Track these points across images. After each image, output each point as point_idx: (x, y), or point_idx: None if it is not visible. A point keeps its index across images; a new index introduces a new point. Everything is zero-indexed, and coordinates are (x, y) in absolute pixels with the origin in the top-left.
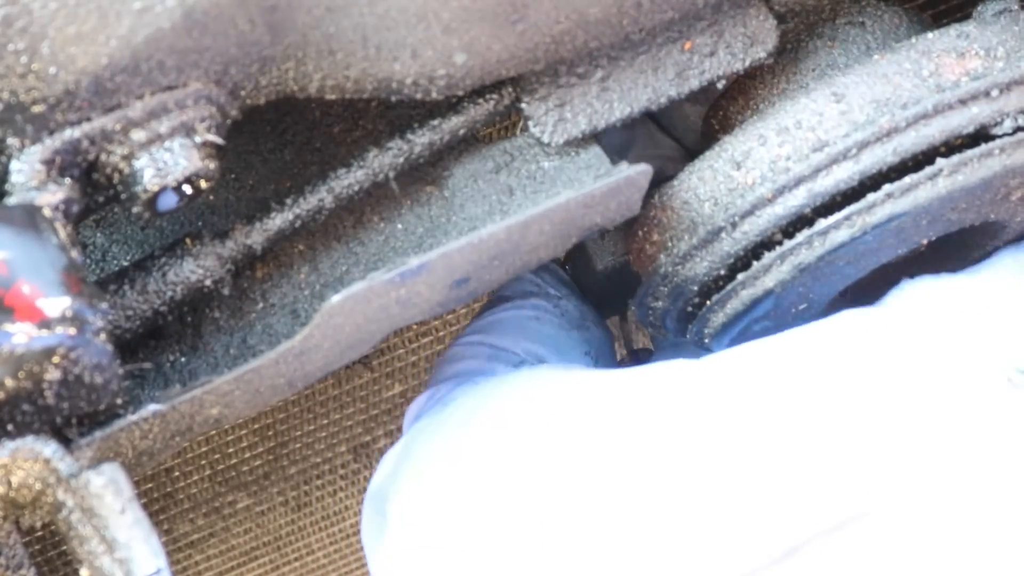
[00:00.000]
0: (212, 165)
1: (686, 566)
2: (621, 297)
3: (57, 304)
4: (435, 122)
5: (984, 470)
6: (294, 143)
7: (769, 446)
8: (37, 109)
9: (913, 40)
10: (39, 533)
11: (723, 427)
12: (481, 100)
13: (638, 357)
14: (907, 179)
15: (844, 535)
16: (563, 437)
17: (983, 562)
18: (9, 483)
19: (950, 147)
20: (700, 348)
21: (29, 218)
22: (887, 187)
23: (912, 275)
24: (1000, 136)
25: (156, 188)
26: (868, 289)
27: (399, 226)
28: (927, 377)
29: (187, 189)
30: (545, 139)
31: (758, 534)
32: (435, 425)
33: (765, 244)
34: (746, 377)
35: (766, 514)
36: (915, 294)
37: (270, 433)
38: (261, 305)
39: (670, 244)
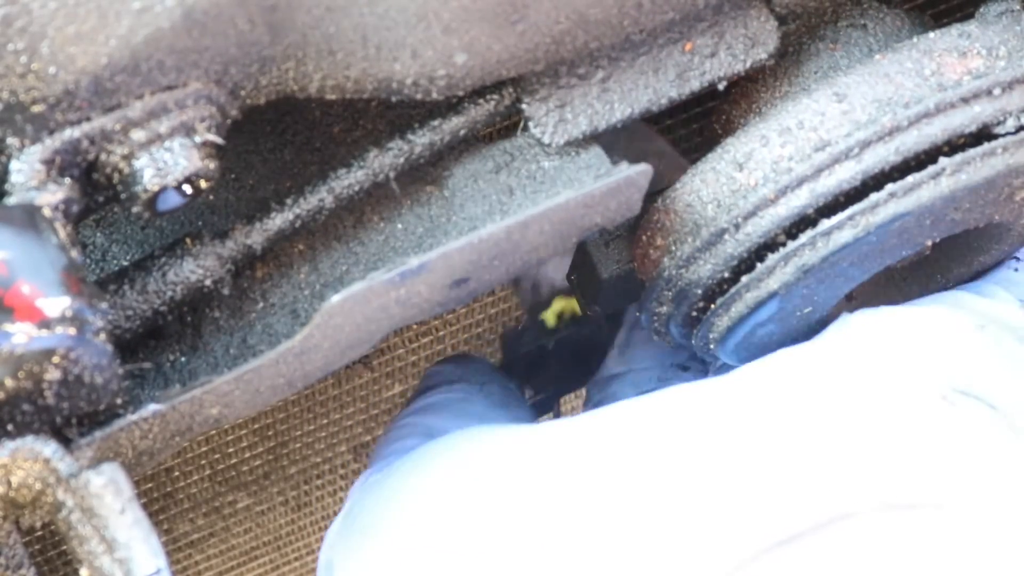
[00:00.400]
0: (212, 165)
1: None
2: (626, 305)
3: (57, 304)
4: (435, 122)
5: (924, 479)
6: (294, 143)
7: (719, 469)
8: (37, 109)
9: (915, 40)
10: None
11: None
12: (481, 100)
13: None
14: (910, 178)
15: (795, 548)
16: (512, 482)
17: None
18: (9, 483)
19: (953, 146)
20: (706, 354)
21: (29, 218)
22: (890, 187)
23: (915, 278)
24: (1003, 135)
25: (156, 188)
26: (873, 294)
27: (399, 226)
28: (869, 397)
29: (187, 189)
30: (545, 140)
31: (709, 549)
32: (377, 485)
33: (768, 246)
34: (690, 413)
35: (714, 528)
36: (855, 324)
37: (270, 433)
38: (261, 305)
39: (673, 248)
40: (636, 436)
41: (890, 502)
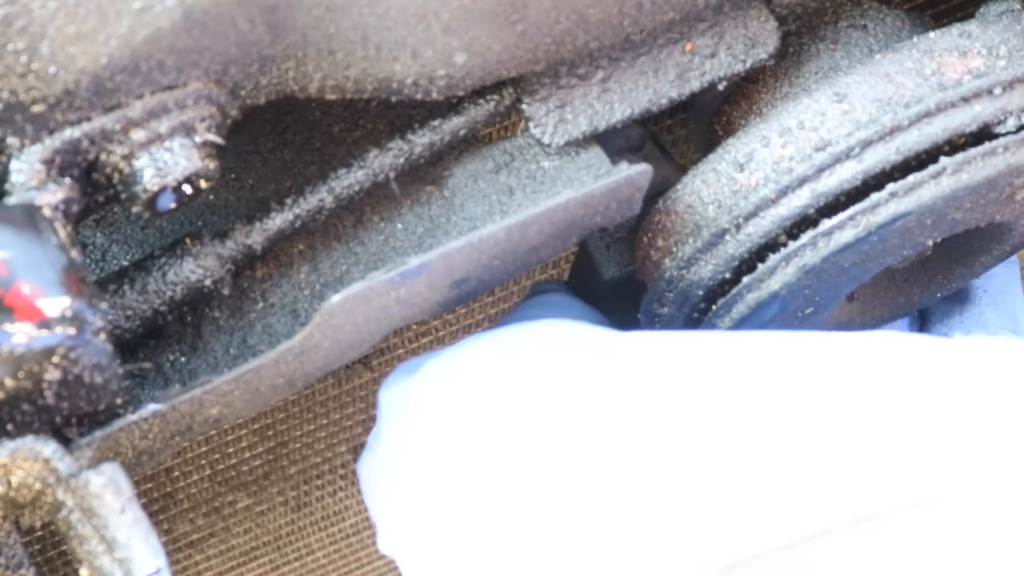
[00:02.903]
0: (212, 165)
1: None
2: (629, 307)
3: (57, 304)
4: (435, 122)
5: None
6: (294, 143)
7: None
8: (37, 109)
9: (915, 40)
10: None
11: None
12: (481, 100)
13: None
14: (911, 178)
15: (870, 528)
16: (588, 404)
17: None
18: (9, 483)
19: (953, 146)
20: None
21: (29, 218)
22: (891, 186)
23: (916, 278)
24: (1003, 134)
25: (156, 188)
26: (874, 294)
27: (399, 226)
28: (975, 403)
29: (187, 189)
30: (545, 140)
31: (781, 516)
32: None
33: (770, 246)
34: (787, 364)
35: (793, 496)
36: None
37: (270, 433)
38: (261, 305)
39: (675, 249)
40: (735, 378)
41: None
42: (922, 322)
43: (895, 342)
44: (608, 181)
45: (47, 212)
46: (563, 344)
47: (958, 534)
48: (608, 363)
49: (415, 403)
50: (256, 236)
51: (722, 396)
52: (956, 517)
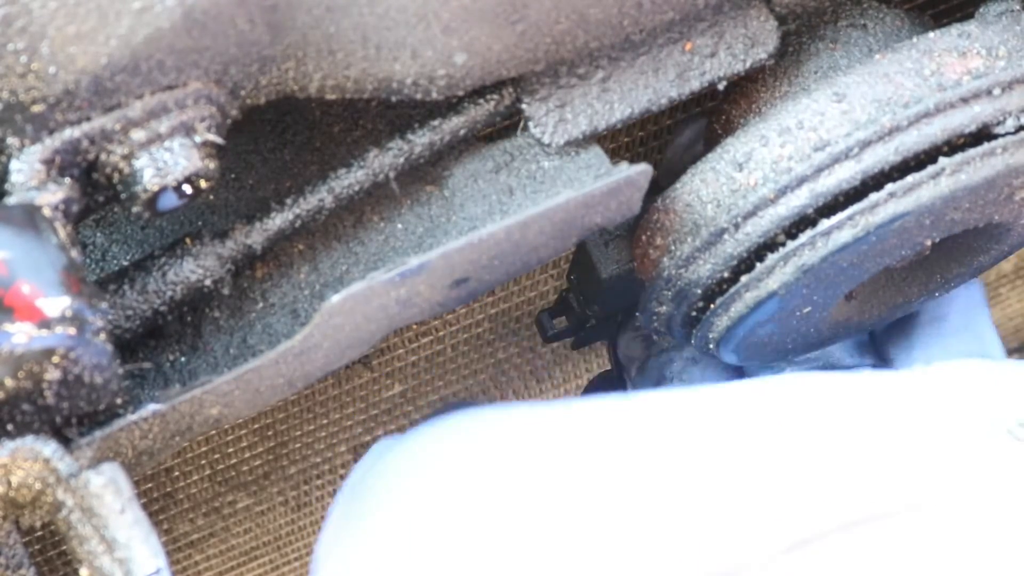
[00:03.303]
0: (212, 165)
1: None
2: (627, 306)
3: (57, 304)
4: (435, 122)
5: (983, 511)
6: (294, 143)
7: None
8: (37, 109)
9: (914, 40)
10: (39, 533)
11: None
12: (481, 100)
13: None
14: (909, 178)
15: (854, 536)
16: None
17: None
18: (9, 483)
19: (952, 146)
20: (706, 354)
21: (29, 218)
22: (890, 186)
23: (915, 278)
24: (1003, 135)
25: (156, 188)
26: (873, 294)
27: (399, 226)
28: (933, 424)
29: (187, 189)
30: (545, 140)
31: (763, 525)
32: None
33: (768, 246)
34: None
35: (771, 507)
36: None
37: (270, 433)
38: (261, 305)
39: (673, 247)
40: (669, 428)
41: (918, 505)
42: (882, 357)
43: (861, 380)
44: (608, 181)
45: (47, 212)
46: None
47: (941, 537)
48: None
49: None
50: (256, 236)
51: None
52: (937, 521)
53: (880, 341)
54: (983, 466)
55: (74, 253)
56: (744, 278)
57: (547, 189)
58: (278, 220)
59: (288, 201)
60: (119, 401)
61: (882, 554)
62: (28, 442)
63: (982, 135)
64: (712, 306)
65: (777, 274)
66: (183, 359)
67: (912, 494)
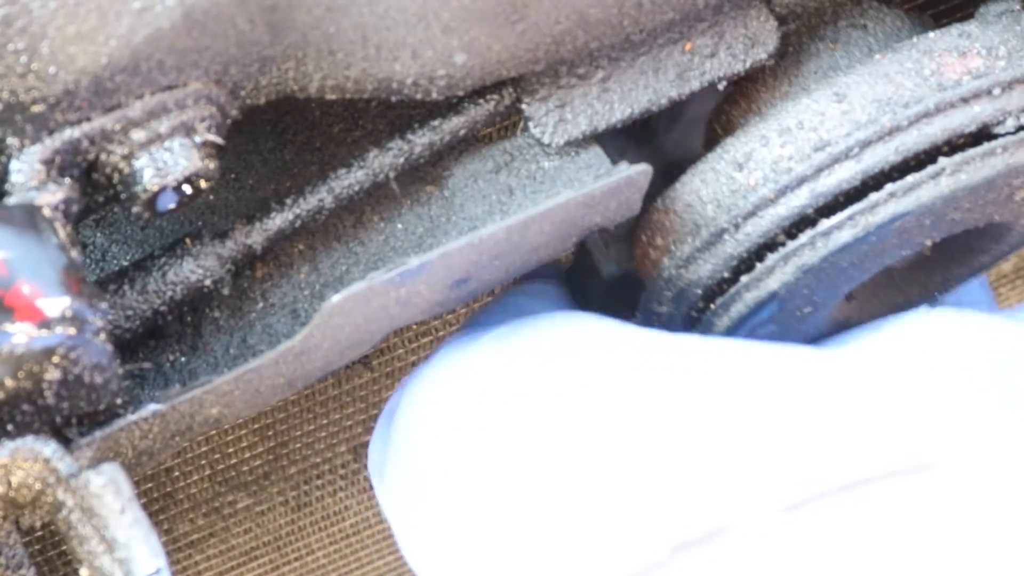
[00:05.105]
0: (212, 165)
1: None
2: (626, 306)
3: (57, 304)
4: (435, 122)
5: (986, 475)
6: (294, 143)
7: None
8: (37, 109)
9: (915, 40)
10: (39, 533)
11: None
12: (481, 100)
13: None
14: (910, 178)
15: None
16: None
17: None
18: (9, 483)
19: (952, 146)
20: None
21: (29, 218)
22: (890, 186)
23: (915, 278)
24: (1003, 135)
25: (156, 188)
26: (873, 294)
27: (399, 226)
28: (938, 385)
29: (187, 189)
30: (545, 140)
31: (764, 485)
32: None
33: (768, 246)
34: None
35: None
36: (919, 322)
37: (270, 433)
38: (261, 305)
39: (673, 247)
40: (666, 380)
41: (910, 466)
42: None
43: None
44: (608, 181)
45: (47, 212)
46: (590, 342)
47: (951, 498)
48: (635, 364)
49: (433, 405)
50: (256, 236)
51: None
52: (949, 482)
53: None
54: (984, 429)
55: (74, 253)
56: (744, 278)
57: (547, 189)
58: (278, 220)
59: (288, 201)
60: (119, 401)
61: (890, 515)
62: (28, 442)
63: (982, 135)
64: (712, 306)
65: (777, 274)
66: (183, 359)
67: (917, 454)
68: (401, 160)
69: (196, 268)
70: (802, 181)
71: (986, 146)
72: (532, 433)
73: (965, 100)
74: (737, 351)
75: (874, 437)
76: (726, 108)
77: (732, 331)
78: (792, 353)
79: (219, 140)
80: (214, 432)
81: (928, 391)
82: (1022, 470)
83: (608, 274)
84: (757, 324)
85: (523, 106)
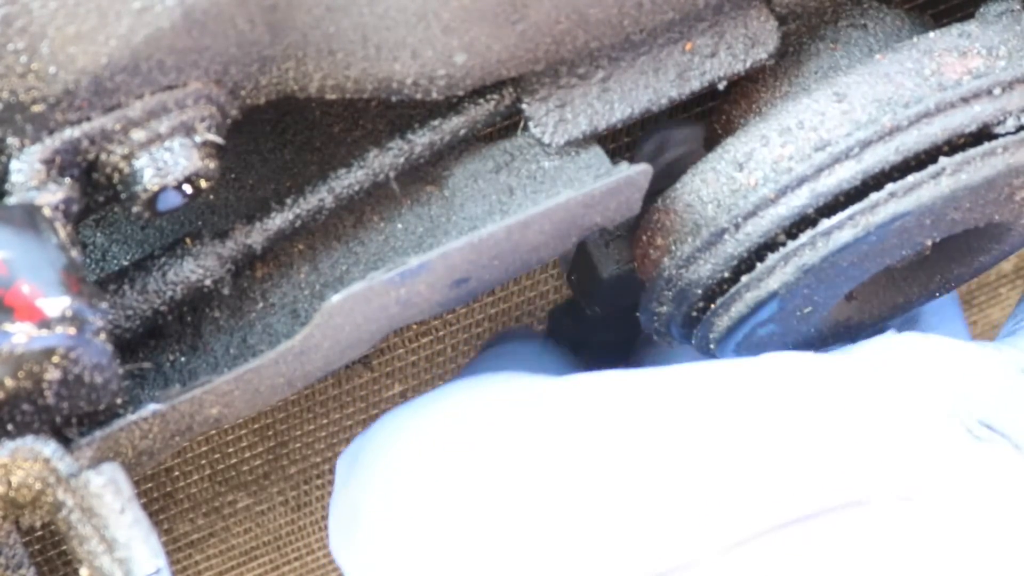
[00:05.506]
0: (212, 165)
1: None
2: (627, 306)
3: (57, 304)
4: (435, 122)
5: (946, 513)
6: (294, 143)
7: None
8: (37, 109)
9: (915, 40)
10: (39, 533)
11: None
12: (481, 100)
13: None
14: (910, 178)
15: (791, 533)
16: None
17: None
18: (9, 483)
19: (953, 146)
20: (705, 354)
21: (29, 218)
22: (890, 186)
23: (915, 278)
24: (1003, 135)
25: (156, 188)
26: (873, 294)
27: (399, 226)
28: (889, 415)
29: (187, 189)
30: (546, 140)
31: (699, 528)
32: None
33: (768, 246)
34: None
35: (707, 509)
36: (899, 343)
37: (270, 433)
38: (261, 305)
39: (674, 247)
40: (657, 406)
41: (897, 495)
42: None
43: (797, 362)
44: (608, 181)
45: (47, 212)
46: (496, 400)
47: (884, 533)
48: (536, 414)
49: (366, 463)
50: (256, 236)
51: (650, 423)
52: (882, 517)
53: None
54: (942, 465)
55: (74, 253)
56: (745, 278)
57: (547, 189)
58: (278, 220)
59: (288, 201)
60: (119, 401)
61: (826, 552)
62: (28, 442)
63: (982, 135)
64: (712, 306)
65: (778, 274)
66: (183, 359)
67: (861, 489)
68: (401, 160)
69: (196, 268)
70: (802, 181)
71: (986, 146)
72: (466, 497)
73: (965, 100)
74: (676, 384)
75: (810, 474)
76: (726, 108)
77: (732, 331)
78: (735, 387)
79: (219, 140)
80: (214, 432)
81: (871, 425)
82: (957, 504)
83: (608, 274)
84: (757, 324)
85: (523, 106)
